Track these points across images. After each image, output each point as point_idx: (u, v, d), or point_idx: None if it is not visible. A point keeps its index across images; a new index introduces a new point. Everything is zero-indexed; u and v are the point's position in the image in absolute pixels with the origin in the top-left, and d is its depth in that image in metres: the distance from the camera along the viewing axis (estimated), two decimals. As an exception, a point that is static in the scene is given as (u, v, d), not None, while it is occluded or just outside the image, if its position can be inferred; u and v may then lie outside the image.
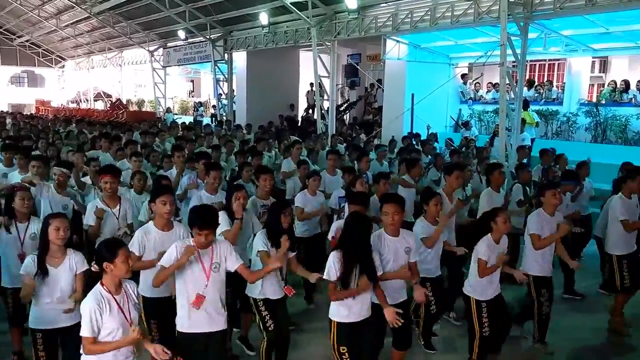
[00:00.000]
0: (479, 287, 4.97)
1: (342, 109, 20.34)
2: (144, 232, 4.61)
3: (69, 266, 4.25)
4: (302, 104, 22.80)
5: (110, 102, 32.02)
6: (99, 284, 3.64)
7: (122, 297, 3.67)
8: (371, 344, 4.50)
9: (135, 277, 4.18)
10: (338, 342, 4.25)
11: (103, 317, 3.53)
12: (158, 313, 4.67)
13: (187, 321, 4.08)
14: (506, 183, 7.76)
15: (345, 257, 4.17)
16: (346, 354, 4.22)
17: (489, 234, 4.95)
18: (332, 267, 4.18)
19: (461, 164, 8.00)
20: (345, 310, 4.24)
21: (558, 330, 5.97)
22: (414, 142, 12.86)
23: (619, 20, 12.40)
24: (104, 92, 33.84)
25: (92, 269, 3.72)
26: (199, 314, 4.04)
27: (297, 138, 12.94)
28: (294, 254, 4.94)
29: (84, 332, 3.51)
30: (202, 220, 4.01)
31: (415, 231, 5.10)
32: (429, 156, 10.82)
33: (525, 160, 10.01)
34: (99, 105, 33.50)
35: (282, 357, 4.97)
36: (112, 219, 5.46)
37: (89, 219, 5.44)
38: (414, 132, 14.38)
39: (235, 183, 6.71)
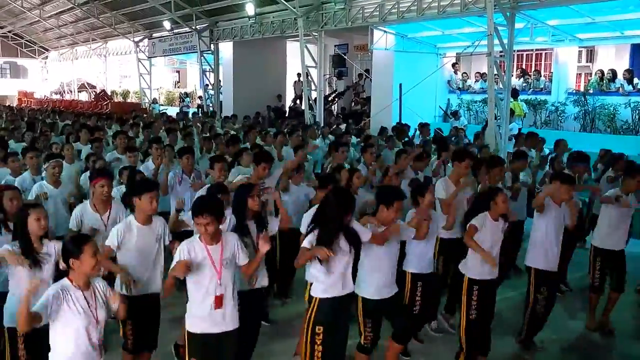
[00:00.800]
0: (474, 265, 4.92)
1: (330, 99, 20.29)
2: (124, 226, 4.45)
3: (50, 255, 4.09)
4: (290, 95, 22.69)
5: (94, 93, 31.68)
6: (65, 278, 3.44)
7: (90, 294, 3.49)
8: (347, 332, 4.37)
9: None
10: (315, 320, 4.13)
11: (63, 307, 3.35)
12: (134, 312, 4.28)
13: (199, 321, 3.89)
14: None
15: (323, 234, 4.03)
16: (321, 334, 4.09)
17: (487, 212, 4.90)
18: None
19: (472, 153, 7.61)
20: (322, 285, 4.14)
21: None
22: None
23: (604, 10, 12.44)
24: (88, 83, 33.43)
25: (60, 267, 3.52)
26: (211, 313, 3.86)
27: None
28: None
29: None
30: (197, 207, 3.84)
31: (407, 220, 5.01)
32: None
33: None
34: (83, 97, 33.10)
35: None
36: (99, 225, 5.03)
37: (72, 223, 5.05)
38: (403, 122, 14.33)
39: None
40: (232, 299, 3.95)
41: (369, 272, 4.51)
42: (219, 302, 3.86)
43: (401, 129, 12.34)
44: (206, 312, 3.86)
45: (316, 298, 4.19)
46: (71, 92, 34.33)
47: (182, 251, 3.85)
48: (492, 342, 5.09)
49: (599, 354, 5.87)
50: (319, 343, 4.13)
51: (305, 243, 4.10)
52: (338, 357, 4.36)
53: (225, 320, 3.92)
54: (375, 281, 4.51)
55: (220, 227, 4.02)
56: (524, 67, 17.76)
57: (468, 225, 4.91)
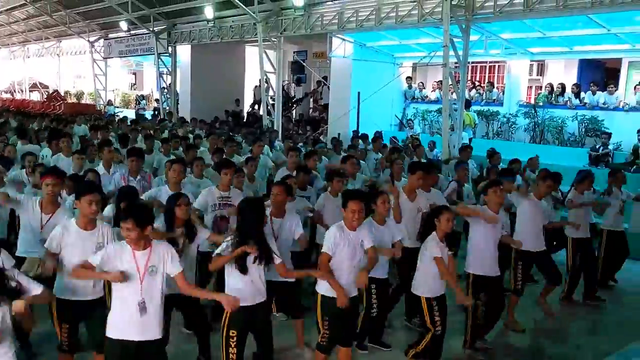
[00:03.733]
0: (427, 285, 5.04)
1: (290, 104, 20.32)
2: (63, 229, 4.35)
3: None
4: (248, 99, 22.62)
5: (47, 93, 30.85)
6: None
7: None
8: (269, 327, 4.57)
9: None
10: (228, 325, 4.29)
11: None
12: (71, 317, 4.39)
13: (119, 326, 3.85)
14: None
15: (239, 242, 4.22)
16: (234, 337, 4.29)
17: (434, 233, 5.03)
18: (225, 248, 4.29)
19: (423, 164, 7.91)
20: (237, 293, 4.26)
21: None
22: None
23: (555, 26, 12.90)
24: (40, 83, 32.55)
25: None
26: (132, 319, 3.82)
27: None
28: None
29: None
30: (123, 212, 3.93)
31: None
32: (380, 153, 10.93)
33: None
34: (35, 97, 32.18)
35: None
36: (37, 220, 4.96)
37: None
38: (360, 131, 14.49)
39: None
40: (156, 307, 3.91)
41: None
42: (140, 309, 3.82)
43: (364, 135, 12.66)
44: (126, 318, 3.83)
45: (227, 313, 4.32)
46: (22, 91, 33.33)
47: (107, 250, 3.92)
48: (446, 342, 5.27)
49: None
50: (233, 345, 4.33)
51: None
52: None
53: (144, 329, 3.87)
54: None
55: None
56: (477, 78, 18.21)
57: (436, 259, 4.96)
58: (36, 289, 3.59)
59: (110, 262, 3.84)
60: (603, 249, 7.80)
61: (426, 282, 5.06)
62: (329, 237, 4.61)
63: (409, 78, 18.00)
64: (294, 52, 20.60)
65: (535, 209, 6.41)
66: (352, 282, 4.65)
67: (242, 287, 4.28)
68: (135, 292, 3.82)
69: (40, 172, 5.75)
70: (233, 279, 4.31)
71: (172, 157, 8.85)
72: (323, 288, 4.64)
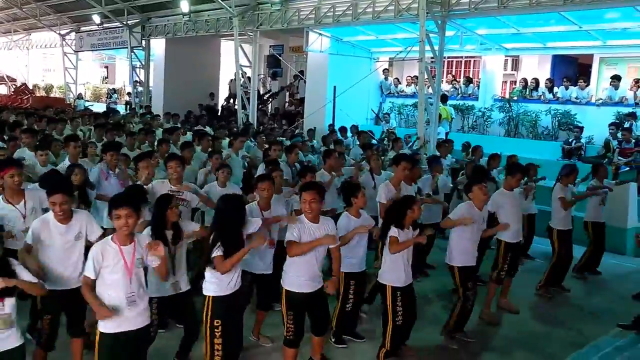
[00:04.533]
0: (393, 274, 5.07)
1: (265, 98, 20.26)
2: (41, 222, 4.36)
3: None
4: (223, 93, 22.48)
5: (14, 86, 30.19)
6: None
7: None
8: (241, 317, 4.66)
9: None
10: (211, 316, 4.36)
11: None
12: (55, 307, 4.42)
13: (112, 321, 3.84)
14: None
15: (223, 243, 4.24)
16: (219, 327, 4.35)
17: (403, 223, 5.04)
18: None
19: (407, 155, 7.97)
20: (216, 286, 4.37)
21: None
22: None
23: (529, 22, 13.16)
24: (7, 76, 31.80)
25: None
26: (124, 312, 3.85)
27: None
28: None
29: None
30: (116, 201, 3.87)
31: (339, 224, 5.11)
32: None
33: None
34: (2, 90, 31.44)
35: None
36: (16, 217, 4.93)
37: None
38: (336, 124, 14.55)
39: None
40: (143, 295, 4.00)
41: (294, 266, 4.64)
42: (129, 302, 3.87)
43: (342, 128, 12.70)
44: (118, 310, 3.85)
45: (209, 297, 4.41)
46: (-12, 85, 32.56)
47: (94, 255, 3.84)
48: (420, 333, 5.40)
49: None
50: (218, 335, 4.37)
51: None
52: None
53: (137, 318, 3.93)
54: (299, 275, 4.64)
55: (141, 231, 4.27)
56: (453, 73, 18.40)
57: (390, 237, 5.00)
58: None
59: (102, 265, 3.83)
60: (592, 241, 8.08)
61: (392, 271, 5.07)
62: (291, 229, 4.63)
63: (385, 70, 18.09)
64: (270, 46, 20.53)
65: (511, 201, 6.46)
66: (318, 275, 4.72)
67: (225, 278, 4.35)
68: (125, 287, 3.85)
69: None
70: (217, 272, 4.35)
71: (137, 151, 8.70)
72: (288, 283, 4.70)
